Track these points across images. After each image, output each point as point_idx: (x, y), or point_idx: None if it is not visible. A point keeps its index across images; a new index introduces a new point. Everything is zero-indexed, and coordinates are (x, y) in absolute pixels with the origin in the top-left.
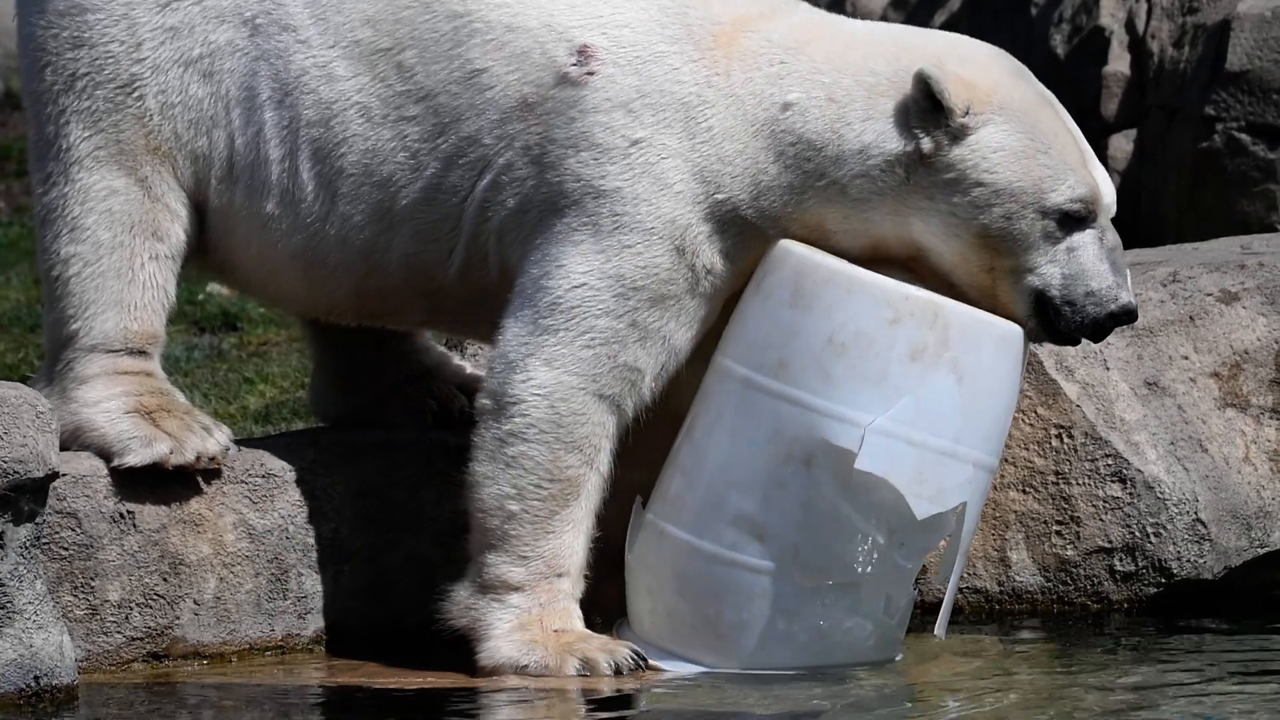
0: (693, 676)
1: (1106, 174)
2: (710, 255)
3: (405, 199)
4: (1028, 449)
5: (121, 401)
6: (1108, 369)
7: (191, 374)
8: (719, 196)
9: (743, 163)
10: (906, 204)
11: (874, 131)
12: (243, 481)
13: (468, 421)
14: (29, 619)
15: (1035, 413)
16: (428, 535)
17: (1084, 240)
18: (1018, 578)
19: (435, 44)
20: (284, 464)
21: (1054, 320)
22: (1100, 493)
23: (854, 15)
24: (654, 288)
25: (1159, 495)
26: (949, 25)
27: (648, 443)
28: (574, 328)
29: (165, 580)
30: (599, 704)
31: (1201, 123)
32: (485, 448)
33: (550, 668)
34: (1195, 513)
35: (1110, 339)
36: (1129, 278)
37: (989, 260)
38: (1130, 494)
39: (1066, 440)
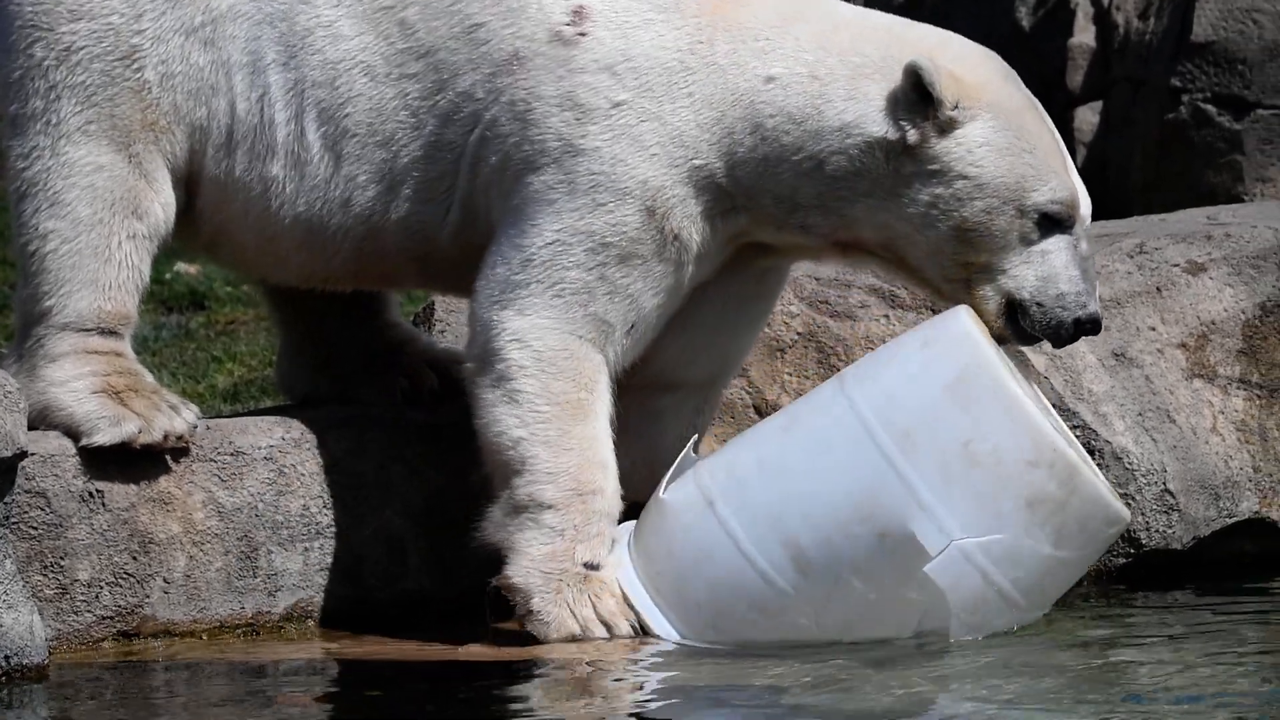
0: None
1: (1085, 187)
2: (680, 220)
3: (405, 158)
4: None
5: (89, 381)
6: None
7: (159, 353)
8: (696, 162)
9: (720, 131)
10: (885, 188)
11: (855, 111)
12: (211, 460)
13: (436, 399)
14: None
15: None
16: (397, 511)
17: (1059, 245)
18: None
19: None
20: (252, 442)
21: (1020, 320)
22: None
23: None
24: (623, 245)
25: (1127, 466)
26: None
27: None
28: (545, 279)
29: (135, 559)
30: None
31: (1167, 94)
32: (481, 400)
33: (554, 618)
34: (1163, 483)
35: None
36: (1098, 290)
37: (964, 255)
38: (1099, 465)
39: None
